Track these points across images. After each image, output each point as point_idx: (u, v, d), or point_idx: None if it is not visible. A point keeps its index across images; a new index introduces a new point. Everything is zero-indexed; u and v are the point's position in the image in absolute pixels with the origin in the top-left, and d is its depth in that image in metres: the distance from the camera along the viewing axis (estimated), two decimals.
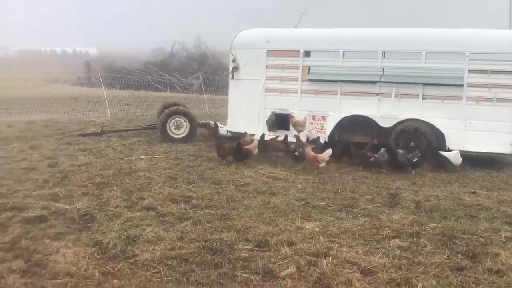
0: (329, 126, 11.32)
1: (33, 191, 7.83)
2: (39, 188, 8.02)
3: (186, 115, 13.26)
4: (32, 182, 8.41)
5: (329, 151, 9.81)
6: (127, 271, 4.93)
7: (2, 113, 18.21)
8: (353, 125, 11.22)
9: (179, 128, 13.07)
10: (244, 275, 4.89)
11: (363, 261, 5.23)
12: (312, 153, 9.76)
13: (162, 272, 4.93)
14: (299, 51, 11.60)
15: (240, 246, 5.64)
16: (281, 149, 10.71)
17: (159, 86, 31.72)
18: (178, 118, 13.09)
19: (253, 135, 11.37)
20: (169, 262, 5.15)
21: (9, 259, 5.21)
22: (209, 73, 32.01)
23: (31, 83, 30.64)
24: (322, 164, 9.66)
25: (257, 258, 5.26)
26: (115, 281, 4.70)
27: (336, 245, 5.67)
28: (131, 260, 5.20)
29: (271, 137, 11.35)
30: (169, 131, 13.00)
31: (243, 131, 11.65)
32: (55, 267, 5.00)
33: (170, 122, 13.01)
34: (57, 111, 19.17)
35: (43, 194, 7.64)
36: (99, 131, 13.72)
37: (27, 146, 11.83)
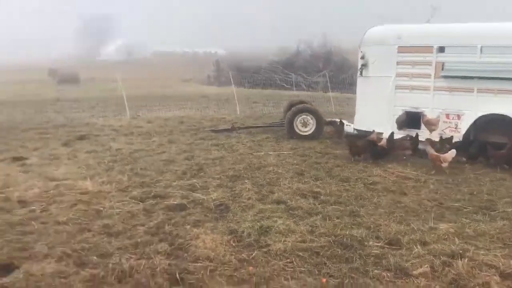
0: (464, 125, 10.76)
1: (173, 181, 8.44)
2: (178, 179, 8.61)
3: (313, 112, 13.40)
4: (171, 173, 9.05)
5: (453, 152, 9.39)
6: (261, 259, 5.17)
7: (142, 109, 19.71)
8: (491, 124, 10.57)
9: (306, 126, 13.23)
10: (375, 271, 4.89)
11: (502, 264, 4.98)
12: (434, 152, 9.41)
13: (294, 262, 5.10)
14: (432, 47, 11.16)
15: (370, 243, 5.64)
16: (409, 148, 10.44)
17: (285, 85, 32.29)
18: (305, 116, 13.26)
19: (381, 133, 11.18)
20: (300, 254, 5.30)
21: (155, 242, 5.70)
22: (334, 71, 31.92)
23: (167, 82, 32.80)
24: (445, 164, 9.26)
25: (389, 256, 5.23)
26: (251, 268, 4.94)
27: (473, 247, 5.45)
28: (264, 249, 5.43)
29: (401, 135, 11.07)
30: (296, 128, 13.21)
31: (370, 129, 11.49)
32: (195, 251, 5.38)
33: (297, 120, 13.22)
34: (191, 108, 20.35)
35: (182, 185, 8.20)
36: (230, 128, 14.35)
37: (165, 140, 12.72)
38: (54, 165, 9.83)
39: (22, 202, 7.28)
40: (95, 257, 5.25)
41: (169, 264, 5.03)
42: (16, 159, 10.39)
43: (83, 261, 5.18)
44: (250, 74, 30.60)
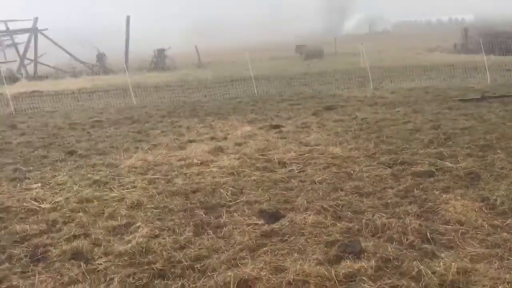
0: None
1: (420, 149, 8.51)
2: (425, 147, 8.64)
3: None
4: (418, 142, 9.10)
5: None
6: None
7: (384, 80, 19.80)
8: None
9: None
10: None
11: None
12: None
13: None
14: None
15: None
16: None
17: None
18: None
19: None
20: None
21: (404, 204, 5.96)
22: None
23: (410, 52, 32.09)
24: None
25: None
26: (505, 234, 4.86)
27: None
28: None
29: None
30: None
31: None
32: (445, 215, 5.49)
33: None
34: (436, 78, 19.67)
35: (429, 153, 8.23)
36: (479, 97, 13.58)
37: (410, 110, 12.67)
38: (306, 132, 10.73)
39: (282, 163, 8.23)
40: (349, 213, 5.76)
41: (419, 224, 5.25)
42: (273, 126, 11.65)
43: (339, 215, 5.73)
44: (503, 40, 28.02)
